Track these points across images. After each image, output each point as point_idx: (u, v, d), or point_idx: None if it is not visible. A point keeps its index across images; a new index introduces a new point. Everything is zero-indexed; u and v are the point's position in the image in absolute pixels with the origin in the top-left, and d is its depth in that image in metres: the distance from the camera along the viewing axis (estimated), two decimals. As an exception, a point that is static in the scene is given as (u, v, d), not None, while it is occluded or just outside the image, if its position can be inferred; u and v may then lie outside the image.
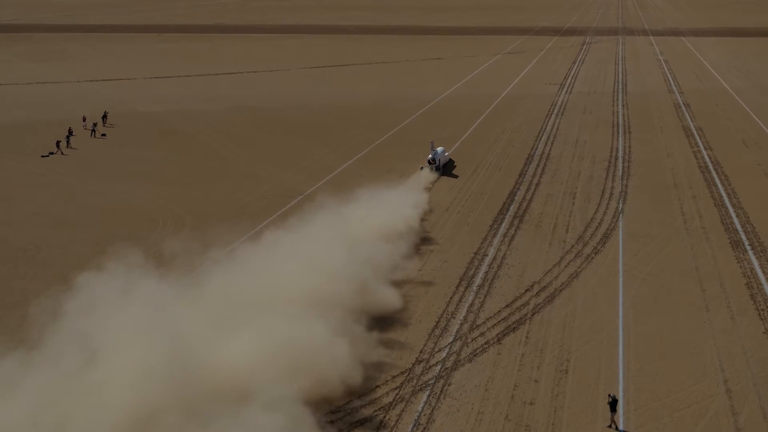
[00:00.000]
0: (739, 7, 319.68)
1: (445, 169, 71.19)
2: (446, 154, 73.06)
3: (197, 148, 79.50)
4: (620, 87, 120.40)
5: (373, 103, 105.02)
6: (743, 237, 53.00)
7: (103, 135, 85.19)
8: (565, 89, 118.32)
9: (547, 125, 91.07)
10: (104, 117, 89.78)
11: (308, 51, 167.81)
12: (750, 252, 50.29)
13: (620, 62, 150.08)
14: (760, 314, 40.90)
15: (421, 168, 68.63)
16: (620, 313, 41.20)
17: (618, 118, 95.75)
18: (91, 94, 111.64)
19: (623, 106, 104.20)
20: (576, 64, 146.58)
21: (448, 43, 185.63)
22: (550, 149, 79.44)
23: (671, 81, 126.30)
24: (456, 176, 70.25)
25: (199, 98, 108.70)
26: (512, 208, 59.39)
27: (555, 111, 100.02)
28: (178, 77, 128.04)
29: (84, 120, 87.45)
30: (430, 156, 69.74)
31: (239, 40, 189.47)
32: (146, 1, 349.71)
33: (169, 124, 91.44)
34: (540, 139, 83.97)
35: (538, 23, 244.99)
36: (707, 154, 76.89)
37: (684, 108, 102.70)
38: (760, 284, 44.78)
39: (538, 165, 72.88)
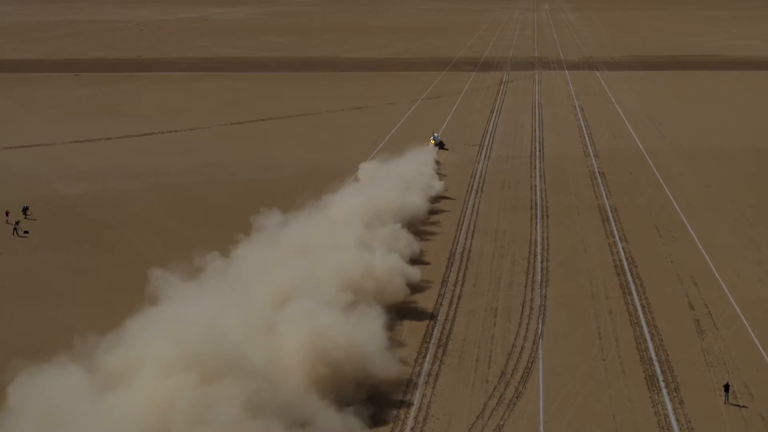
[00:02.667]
0: (649, 32, 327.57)
1: (441, 146, 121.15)
2: (438, 137, 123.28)
3: (121, 248, 78.99)
4: (537, 148, 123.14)
5: (295, 174, 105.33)
6: (657, 369, 55.04)
7: (26, 232, 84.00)
8: (483, 152, 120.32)
9: (466, 208, 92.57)
10: (25, 210, 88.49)
11: (229, 97, 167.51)
12: (664, 392, 52.36)
13: (537, 110, 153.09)
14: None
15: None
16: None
17: (536, 195, 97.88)
18: (6, 168, 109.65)
19: (540, 177, 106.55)
20: (494, 114, 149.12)
21: (368, 83, 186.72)
22: (471, 243, 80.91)
23: (587, 138, 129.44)
24: (447, 149, 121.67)
25: (121, 172, 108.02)
26: (436, 333, 60.54)
27: (474, 186, 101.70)
28: (98, 141, 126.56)
29: (7, 215, 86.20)
30: (432, 138, 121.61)
31: (159, 82, 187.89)
32: (60, 26, 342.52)
33: (92, 212, 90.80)
34: (461, 229, 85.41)
35: (457, 52, 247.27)
36: (622, 248, 79.36)
37: (599, 178, 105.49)
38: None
39: (459, 268, 74.16)
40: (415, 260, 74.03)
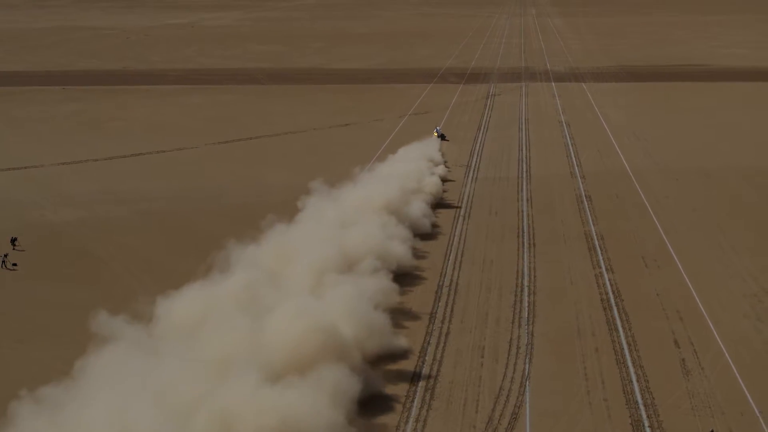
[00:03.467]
0: (635, 38, 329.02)
1: (443, 137, 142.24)
2: (440, 129, 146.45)
3: (110, 282, 79.20)
4: (524, 169, 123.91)
5: (281, 200, 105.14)
6: (643, 414, 55.66)
7: (15, 265, 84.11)
8: (471, 172, 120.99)
9: (454, 236, 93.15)
10: (13, 242, 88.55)
11: (216, 113, 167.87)
12: (650, 439, 52.99)
13: (524, 126, 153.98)
14: None
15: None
16: None
17: (523, 221, 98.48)
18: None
19: (527, 201, 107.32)
20: (481, 131, 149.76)
21: (355, 97, 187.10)
22: (458, 275, 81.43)
23: (573, 158, 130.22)
24: (447, 140, 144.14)
25: (109, 197, 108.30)
26: (423, 375, 61.04)
27: (462, 212, 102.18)
28: (86, 163, 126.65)
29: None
30: (435, 130, 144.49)
31: (146, 96, 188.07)
32: (47, 33, 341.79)
33: (81, 241, 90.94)
34: (448, 259, 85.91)
35: (444, 61, 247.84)
36: (609, 279, 79.97)
37: (586, 202, 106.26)
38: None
39: (446, 303, 74.71)
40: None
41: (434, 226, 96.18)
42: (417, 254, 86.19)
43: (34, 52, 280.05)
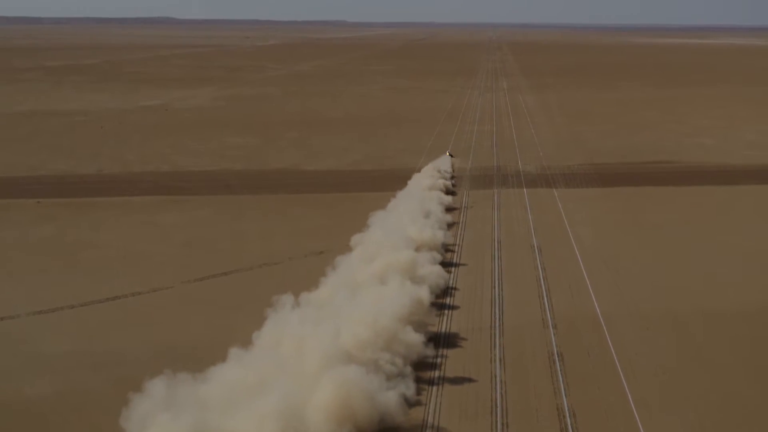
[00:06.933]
0: (605, 123, 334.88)
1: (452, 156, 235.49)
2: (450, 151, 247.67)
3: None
4: (497, 315, 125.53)
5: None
6: None
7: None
8: (445, 323, 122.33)
9: (427, 415, 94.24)
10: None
11: (191, 235, 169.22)
12: None
13: (496, 254, 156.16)
14: None
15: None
16: None
17: (496, 391, 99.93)
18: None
19: (500, 361, 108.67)
20: (454, 258, 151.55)
21: (330, 212, 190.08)
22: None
23: (545, 298, 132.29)
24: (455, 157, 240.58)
25: (85, 360, 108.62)
26: None
27: (435, 389, 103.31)
28: (62, 311, 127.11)
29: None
30: (447, 152, 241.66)
31: (120, 212, 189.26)
32: (20, 121, 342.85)
33: (58, 425, 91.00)
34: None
35: (417, 158, 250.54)
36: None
37: (558, 363, 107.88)
38: None
39: None
40: None
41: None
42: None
43: (8, 147, 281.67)
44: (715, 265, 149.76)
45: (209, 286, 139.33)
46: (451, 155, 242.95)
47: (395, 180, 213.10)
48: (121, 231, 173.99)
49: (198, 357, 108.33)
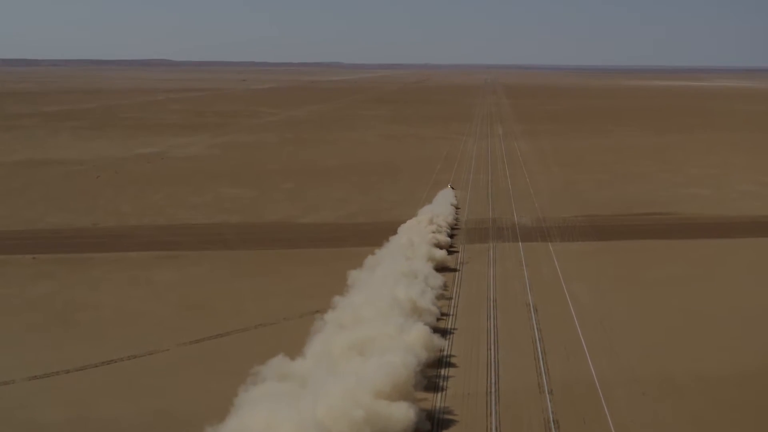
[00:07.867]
0: (599, 172, 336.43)
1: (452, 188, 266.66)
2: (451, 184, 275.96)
3: None
4: (493, 380, 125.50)
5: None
6: None
7: None
8: (438, 395, 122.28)
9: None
10: None
11: (187, 294, 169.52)
12: None
13: (492, 313, 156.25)
14: None
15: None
16: None
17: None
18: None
19: (496, 430, 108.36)
20: (449, 322, 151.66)
21: (324, 270, 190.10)
22: None
23: (541, 361, 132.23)
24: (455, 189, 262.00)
25: (77, 429, 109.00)
26: None
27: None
28: (57, 376, 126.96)
29: None
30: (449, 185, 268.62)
31: (117, 269, 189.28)
32: (16, 171, 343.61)
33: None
34: None
35: (412, 210, 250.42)
36: None
37: (554, 430, 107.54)
38: None
39: None
40: None
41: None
42: None
43: (3, 199, 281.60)
44: (711, 326, 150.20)
45: (205, 349, 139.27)
46: (452, 188, 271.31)
47: (391, 234, 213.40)
48: (117, 290, 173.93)
49: (195, 423, 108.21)
